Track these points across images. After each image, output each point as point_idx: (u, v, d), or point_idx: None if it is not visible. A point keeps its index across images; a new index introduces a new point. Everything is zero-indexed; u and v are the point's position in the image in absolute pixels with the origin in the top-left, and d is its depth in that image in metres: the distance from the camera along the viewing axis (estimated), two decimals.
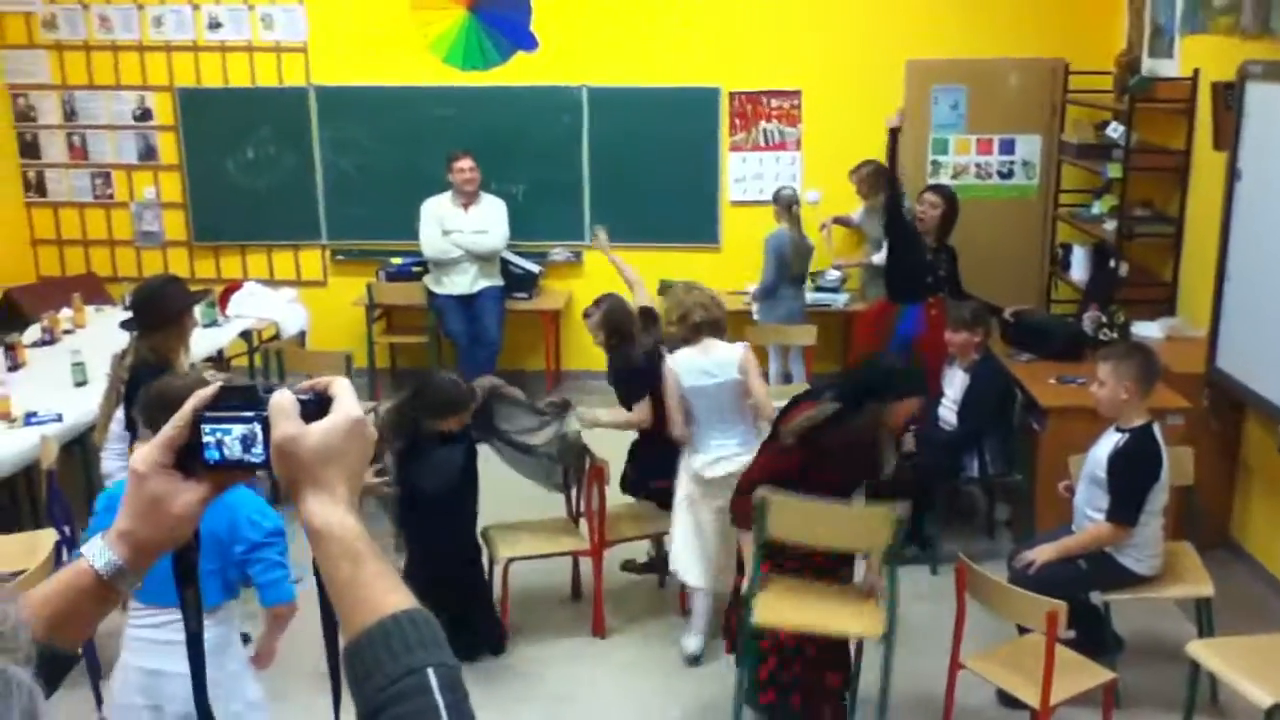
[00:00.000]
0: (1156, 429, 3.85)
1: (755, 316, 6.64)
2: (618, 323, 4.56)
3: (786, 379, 6.62)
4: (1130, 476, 3.77)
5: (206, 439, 1.07)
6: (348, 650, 0.96)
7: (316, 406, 1.06)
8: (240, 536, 2.87)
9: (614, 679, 4.25)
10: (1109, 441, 3.86)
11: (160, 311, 4.07)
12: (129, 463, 1.08)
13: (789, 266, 6.39)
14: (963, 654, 3.60)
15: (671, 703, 4.09)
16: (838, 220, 7.10)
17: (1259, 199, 4.64)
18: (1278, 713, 3.28)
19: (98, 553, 1.06)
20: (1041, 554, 3.89)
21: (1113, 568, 3.86)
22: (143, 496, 1.06)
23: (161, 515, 1.06)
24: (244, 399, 1.08)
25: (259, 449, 1.07)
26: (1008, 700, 3.74)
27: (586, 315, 4.69)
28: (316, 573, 1.02)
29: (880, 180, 6.68)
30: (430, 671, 0.93)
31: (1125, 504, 3.78)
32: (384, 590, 0.98)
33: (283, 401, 1.05)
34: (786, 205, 6.40)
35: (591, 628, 4.53)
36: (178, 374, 3.71)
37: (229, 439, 1.07)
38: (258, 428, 1.06)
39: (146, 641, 2.88)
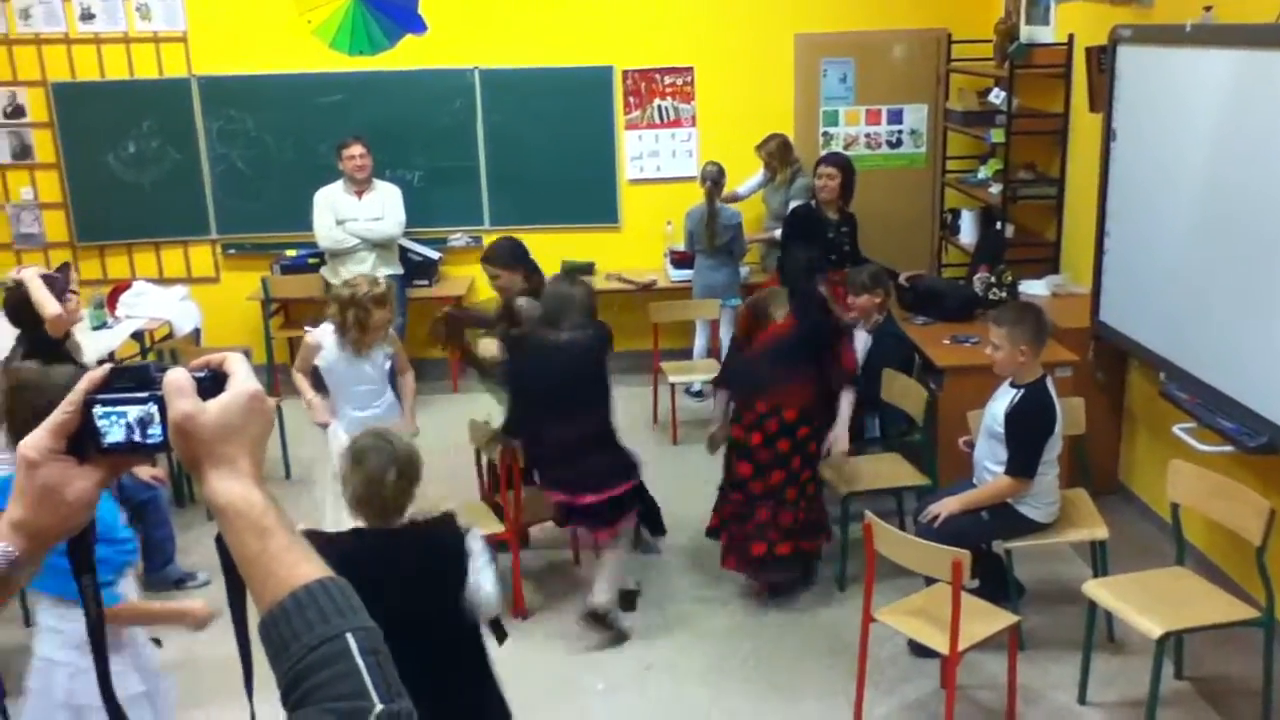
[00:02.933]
0: (1049, 383, 3.99)
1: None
2: None
3: (709, 353, 6.71)
4: (1027, 431, 3.91)
5: (100, 423, 1.05)
6: (263, 625, 0.95)
7: (212, 383, 1.04)
8: None
9: (538, 656, 4.26)
10: (1005, 397, 3.99)
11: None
12: (19, 450, 1.05)
13: (695, 239, 6.43)
14: (874, 607, 3.71)
15: (597, 675, 4.12)
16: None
17: (1133, 157, 4.83)
18: (1167, 641, 3.46)
19: None
20: (946, 507, 4.01)
21: (1013, 517, 4.01)
22: (35, 485, 1.03)
23: (56, 503, 1.03)
24: (136, 380, 1.06)
25: (156, 430, 1.04)
26: (919, 649, 3.86)
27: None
28: (224, 550, 1.00)
29: (788, 153, 6.76)
30: (349, 636, 0.92)
31: (1024, 457, 3.92)
32: (294, 562, 0.97)
33: (179, 379, 1.02)
34: (703, 179, 6.41)
35: (512, 609, 4.53)
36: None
37: (124, 422, 1.05)
38: (154, 408, 1.04)
39: (44, 630, 2.88)
